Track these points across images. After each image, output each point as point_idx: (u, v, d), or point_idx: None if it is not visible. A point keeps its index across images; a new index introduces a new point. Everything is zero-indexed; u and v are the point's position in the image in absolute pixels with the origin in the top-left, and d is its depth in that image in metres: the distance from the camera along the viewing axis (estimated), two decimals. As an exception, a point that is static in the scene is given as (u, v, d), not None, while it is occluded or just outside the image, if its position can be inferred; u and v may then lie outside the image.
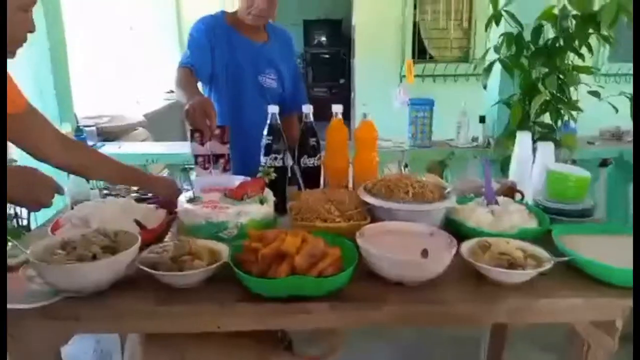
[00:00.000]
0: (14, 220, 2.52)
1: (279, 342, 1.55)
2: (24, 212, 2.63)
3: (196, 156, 1.59)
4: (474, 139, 3.21)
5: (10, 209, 2.54)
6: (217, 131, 1.57)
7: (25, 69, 2.91)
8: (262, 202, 1.45)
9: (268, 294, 1.10)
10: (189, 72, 1.93)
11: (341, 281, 1.12)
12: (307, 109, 1.68)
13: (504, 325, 2.19)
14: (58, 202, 2.52)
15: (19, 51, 1.29)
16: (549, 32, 2.76)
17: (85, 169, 1.50)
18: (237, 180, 1.53)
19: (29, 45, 2.74)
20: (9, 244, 1.29)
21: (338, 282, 1.11)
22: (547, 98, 2.62)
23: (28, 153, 1.40)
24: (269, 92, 2.14)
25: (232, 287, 1.14)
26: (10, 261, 1.28)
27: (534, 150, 1.84)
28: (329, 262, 1.14)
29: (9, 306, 1.09)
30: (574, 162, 2.61)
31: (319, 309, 1.10)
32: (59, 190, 1.23)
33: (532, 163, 1.83)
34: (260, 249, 1.15)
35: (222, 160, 1.58)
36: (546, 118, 2.80)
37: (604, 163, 3.23)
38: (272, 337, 1.57)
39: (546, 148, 1.79)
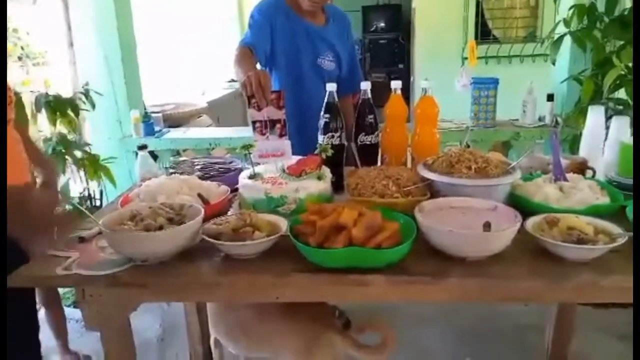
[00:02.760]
0: (88, 202, 2.68)
1: (335, 320, 1.56)
2: (96, 192, 2.80)
3: (254, 122, 1.61)
4: (541, 119, 3.06)
5: (85, 191, 2.71)
6: (272, 96, 1.58)
7: (97, 59, 3.07)
8: (319, 178, 1.46)
9: (325, 264, 1.11)
10: (248, 51, 1.96)
11: (400, 253, 1.10)
12: (365, 85, 1.66)
13: (571, 312, 2.09)
14: (125, 179, 2.64)
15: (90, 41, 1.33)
16: (625, 1, 2.57)
17: None
18: (289, 149, 1.56)
19: (100, 37, 2.91)
20: (86, 218, 1.37)
21: (396, 254, 1.10)
22: (623, 72, 2.44)
23: None
24: (327, 74, 2.14)
25: (290, 259, 1.16)
26: (85, 233, 1.37)
27: (607, 127, 1.73)
28: (386, 235, 1.13)
29: (85, 273, 1.17)
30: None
31: (377, 281, 1.09)
32: None
33: (604, 140, 1.73)
34: (318, 221, 1.16)
35: (278, 126, 1.59)
36: (621, 94, 2.62)
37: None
38: (329, 315, 1.58)
39: (621, 122, 1.68)
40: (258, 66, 2.03)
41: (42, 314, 2.13)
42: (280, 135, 1.59)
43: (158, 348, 2.38)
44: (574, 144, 2.56)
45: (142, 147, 1.74)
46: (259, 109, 1.59)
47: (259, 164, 1.71)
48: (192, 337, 2.13)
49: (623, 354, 2.13)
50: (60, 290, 2.36)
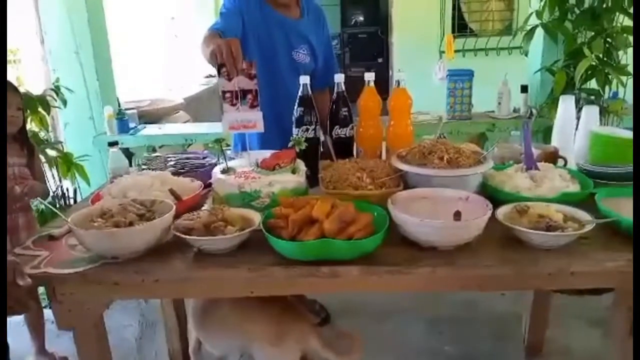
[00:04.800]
0: (62, 200, 2.63)
1: (310, 314, 1.57)
2: (70, 191, 2.75)
3: (224, 92, 1.58)
4: (516, 110, 3.10)
5: (58, 190, 2.66)
6: (244, 65, 1.55)
7: (68, 55, 3.01)
8: (293, 171, 1.45)
9: (298, 257, 1.11)
10: (217, 34, 1.89)
11: (372, 244, 1.10)
12: (339, 78, 1.66)
13: (546, 299, 2.12)
14: (100, 177, 2.60)
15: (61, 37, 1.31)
16: (596, -7, 2.61)
17: None
18: (261, 120, 1.54)
19: (71, 33, 2.84)
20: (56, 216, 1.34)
21: (368, 245, 1.10)
22: (594, 63, 2.48)
23: None
24: (302, 67, 2.11)
25: (264, 253, 1.16)
26: (54, 231, 1.34)
27: (578, 117, 1.75)
28: (359, 226, 1.13)
29: (54, 272, 1.15)
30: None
31: (349, 272, 1.09)
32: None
33: (575, 130, 1.75)
34: (291, 214, 1.16)
35: (249, 96, 1.54)
36: (592, 84, 2.66)
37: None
38: (305, 308, 1.59)
39: (591, 111, 1.71)
40: None
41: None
42: (252, 106, 1.55)
43: (136, 347, 2.35)
44: (547, 134, 2.59)
45: (113, 144, 1.71)
46: (230, 79, 1.54)
47: (232, 158, 1.70)
48: (170, 334, 2.11)
49: (598, 339, 2.17)
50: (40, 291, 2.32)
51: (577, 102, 1.86)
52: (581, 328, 2.34)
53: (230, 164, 1.53)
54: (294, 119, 1.65)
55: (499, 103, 3.10)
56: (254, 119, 1.53)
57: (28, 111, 2.62)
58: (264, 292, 1.17)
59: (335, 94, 1.68)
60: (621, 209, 1.20)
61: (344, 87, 1.67)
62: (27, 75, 3.28)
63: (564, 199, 1.29)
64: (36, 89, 2.79)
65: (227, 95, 1.56)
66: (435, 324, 2.44)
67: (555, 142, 1.77)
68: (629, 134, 1.52)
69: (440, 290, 1.13)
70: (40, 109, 2.70)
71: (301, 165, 1.51)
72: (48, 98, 2.78)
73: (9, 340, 1.58)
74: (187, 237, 1.15)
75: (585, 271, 1.11)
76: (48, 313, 2.44)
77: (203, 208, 1.44)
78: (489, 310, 2.53)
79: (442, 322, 2.45)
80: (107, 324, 1.32)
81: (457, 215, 1.12)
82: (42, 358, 2.22)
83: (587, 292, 2.49)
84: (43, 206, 2.28)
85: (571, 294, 2.50)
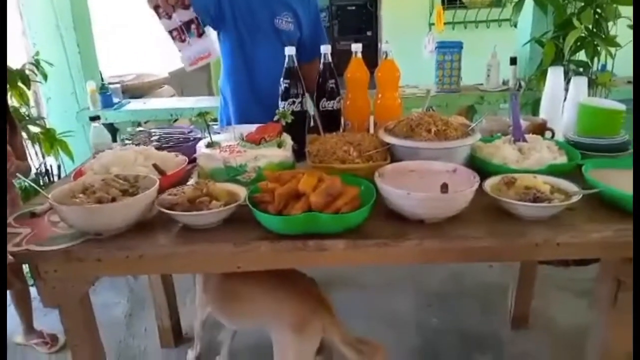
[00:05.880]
0: (45, 177, 2.59)
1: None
2: (54, 168, 2.71)
3: (170, 32, 1.57)
4: (505, 83, 3.08)
5: (41, 166, 2.62)
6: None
7: (48, 28, 2.93)
8: (279, 145, 1.43)
9: (284, 231, 1.10)
10: None
11: (358, 218, 1.09)
12: (325, 49, 1.62)
13: (532, 271, 2.15)
14: (84, 153, 2.55)
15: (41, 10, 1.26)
16: (586, -38, 2.56)
17: None
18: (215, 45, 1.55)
19: (51, 5, 2.74)
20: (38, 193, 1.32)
21: (355, 219, 1.09)
22: (583, 34, 2.46)
23: None
24: (285, 35, 2.04)
25: (250, 228, 1.14)
26: (37, 209, 1.31)
27: (567, 89, 1.74)
28: (345, 200, 1.11)
29: (36, 249, 1.13)
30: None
31: (336, 246, 1.09)
32: None
33: (563, 101, 1.74)
34: (276, 189, 1.14)
35: (193, 26, 1.56)
36: (581, 56, 2.64)
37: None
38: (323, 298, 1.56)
39: (579, 82, 1.69)
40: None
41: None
42: (199, 35, 1.56)
43: (125, 323, 2.35)
44: (535, 106, 2.58)
45: (95, 118, 1.67)
46: (169, 16, 1.54)
47: (218, 132, 1.67)
48: (159, 311, 2.11)
49: (584, 311, 2.21)
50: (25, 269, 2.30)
51: (565, 74, 1.84)
52: (567, 300, 2.38)
53: (215, 138, 1.50)
54: (280, 91, 1.62)
55: (488, 76, 3.08)
56: (207, 48, 1.55)
57: (8, 86, 2.56)
58: (251, 267, 1.16)
59: (322, 65, 1.64)
60: (608, 180, 1.20)
61: (330, 59, 1.64)
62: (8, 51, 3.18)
63: (552, 170, 1.29)
64: (16, 64, 2.71)
65: (174, 33, 1.59)
66: (423, 296, 2.47)
67: (543, 114, 1.76)
68: (617, 105, 1.51)
69: (427, 262, 1.13)
70: (20, 84, 2.63)
71: (287, 139, 1.49)
72: (28, 72, 2.70)
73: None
74: (171, 212, 1.13)
75: (571, 242, 1.11)
76: (34, 291, 2.44)
77: (188, 183, 1.42)
78: (476, 282, 2.56)
79: (430, 295, 2.48)
80: (96, 302, 1.31)
81: (445, 188, 1.11)
82: (31, 336, 2.21)
83: (574, 263, 2.53)
84: (26, 184, 2.25)
85: (558, 265, 2.54)
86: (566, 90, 1.73)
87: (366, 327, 2.10)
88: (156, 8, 1.52)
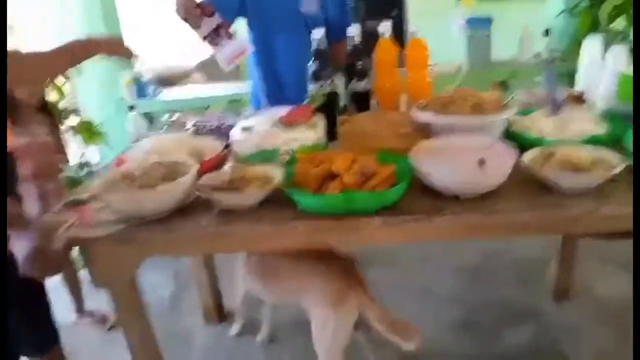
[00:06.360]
0: (85, 167, 2.69)
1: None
2: (94, 157, 2.81)
3: (204, 38, 1.66)
4: (538, 55, 3.00)
5: (81, 158, 2.72)
6: (196, 11, 1.62)
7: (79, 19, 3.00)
8: (312, 127, 1.44)
9: (321, 211, 1.11)
10: None
11: (394, 195, 1.10)
12: (354, 30, 1.62)
13: (572, 244, 2.11)
14: (121, 142, 2.61)
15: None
16: None
17: None
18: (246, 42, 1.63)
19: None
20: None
21: (389, 197, 1.10)
22: (619, 2, 2.36)
23: None
24: (311, 20, 2.03)
25: (286, 209, 1.16)
26: (82, 196, 1.37)
27: (605, 59, 1.68)
28: (380, 179, 1.12)
29: (84, 235, 1.18)
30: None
31: (372, 224, 1.10)
32: None
33: (601, 71, 1.68)
34: (311, 170, 1.15)
35: (221, 31, 1.64)
36: (619, 25, 2.54)
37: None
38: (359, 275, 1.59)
39: (619, 51, 1.63)
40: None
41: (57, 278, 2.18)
42: (229, 37, 1.64)
43: (170, 304, 2.43)
44: (570, 78, 2.50)
45: (132, 108, 1.72)
46: (199, 26, 1.63)
47: (250, 117, 1.69)
48: (202, 291, 2.18)
49: (625, 282, 2.16)
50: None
51: (602, 43, 1.77)
52: (609, 272, 2.32)
53: (248, 122, 1.52)
54: (309, 73, 1.62)
55: (521, 49, 3.00)
56: (240, 46, 1.64)
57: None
58: (290, 245, 1.19)
59: (351, 47, 1.64)
60: (651, 149, 1.17)
61: (359, 40, 1.63)
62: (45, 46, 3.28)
63: (591, 141, 1.26)
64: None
65: (208, 39, 1.65)
66: (459, 271, 2.46)
67: (580, 85, 1.71)
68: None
69: (465, 238, 1.13)
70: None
71: (319, 120, 1.50)
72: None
73: (53, 300, 1.66)
74: (211, 195, 1.16)
75: (613, 214, 1.09)
76: (85, 274, 2.54)
77: (224, 167, 1.44)
78: (516, 256, 2.52)
79: (466, 270, 2.47)
80: (141, 284, 1.36)
81: (482, 162, 1.10)
82: (83, 316, 2.32)
83: (617, 236, 2.46)
84: (70, 174, 2.34)
85: (600, 238, 2.47)
86: (604, 58, 1.68)
87: (400, 301, 2.11)
88: (186, 20, 1.64)
